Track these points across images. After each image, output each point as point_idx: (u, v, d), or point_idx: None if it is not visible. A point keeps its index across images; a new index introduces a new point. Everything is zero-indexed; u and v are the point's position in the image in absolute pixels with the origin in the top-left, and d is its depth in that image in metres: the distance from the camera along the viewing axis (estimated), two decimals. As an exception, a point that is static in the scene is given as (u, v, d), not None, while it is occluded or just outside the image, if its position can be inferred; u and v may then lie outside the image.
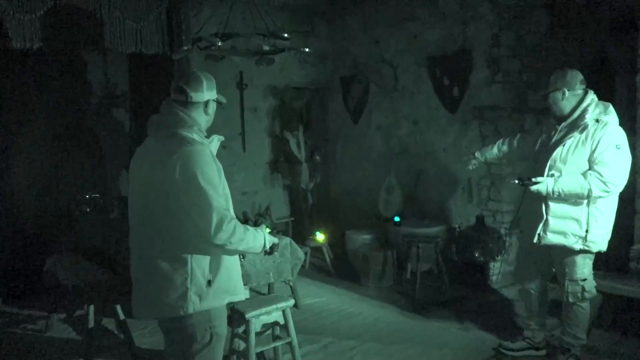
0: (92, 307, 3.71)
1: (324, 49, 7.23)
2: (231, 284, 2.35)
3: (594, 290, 3.32)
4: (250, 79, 6.56)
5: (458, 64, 5.68)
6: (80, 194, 5.88)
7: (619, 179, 3.03)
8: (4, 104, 5.58)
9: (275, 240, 2.46)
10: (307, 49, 3.78)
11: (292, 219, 6.80)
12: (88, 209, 5.73)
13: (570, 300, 3.29)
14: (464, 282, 5.16)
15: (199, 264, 2.20)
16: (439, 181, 6.05)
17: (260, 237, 2.33)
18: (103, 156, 6.40)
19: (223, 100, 2.45)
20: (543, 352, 3.57)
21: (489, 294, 4.79)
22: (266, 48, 3.57)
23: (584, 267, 3.25)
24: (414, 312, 4.48)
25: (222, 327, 2.36)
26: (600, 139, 3.04)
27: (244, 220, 6.15)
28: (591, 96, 3.20)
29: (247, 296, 3.83)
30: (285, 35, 3.37)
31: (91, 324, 3.69)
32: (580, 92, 3.20)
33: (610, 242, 3.28)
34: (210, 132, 2.45)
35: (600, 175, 3.01)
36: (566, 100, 3.20)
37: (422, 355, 3.66)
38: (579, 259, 3.23)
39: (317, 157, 6.79)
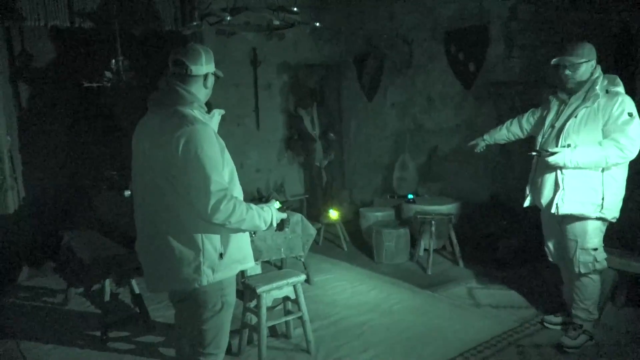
0: (107, 281, 3.80)
1: (337, 25, 7.14)
2: (241, 253, 2.39)
3: (604, 262, 3.32)
4: (264, 56, 6.52)
5: (474, 39, 5.58)
6: (97, 171, 5.97)
7: (635, 145, 3.06)
8: (21, 81, 5.67)
9: (284, 215, 2.46)
10: (317, 24, 3.73)
11: (306, 196, 6.82)
12: (105, 186, 5.82)
13: (582, 270, 3.29)
14: (477, 259, 5.14)
15: (210, 239, 2.23)
16: (454, 158, 6.00)
17: (267, 215, 2.33)
18: (119, 134, 6.47)
19: (220, 74, 2.41)
20: None
21: (502, 271, 4.77)
22: (276, 23, 3.53)
23: (595, 237, 3.27)
24: (426, 289, 4.48)
25: (232, 296, 2.40)
26: (613, 109, 3.09)
27: (258, 197, 6.19)
28: (599, 69, 3.26)
29: (259, 271, 3.86)
30: (295, 9, 3.32)
31: (107, 297, 3.79)
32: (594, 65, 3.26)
33: (624, 220, 3.28)
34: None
35: (618, 142, 3.05)
36: (588, 72, 3.22)
37: (433, 332, 3.67)
38: (592, 227, 3.25)
39: (331, 135, 6.77)
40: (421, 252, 5.26)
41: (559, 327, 3.61)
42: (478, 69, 5.60)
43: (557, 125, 3.31)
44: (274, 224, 2.38)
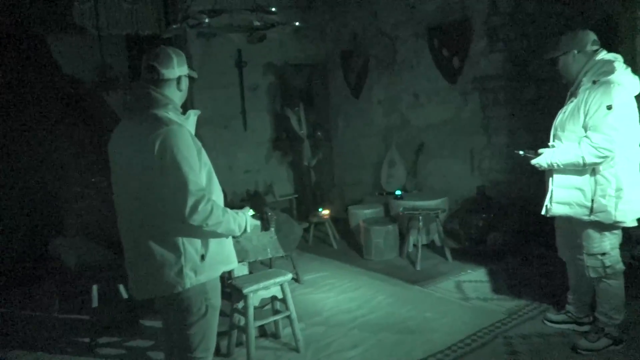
0: (95, 287, 3.79)
1: (322, 24, 7.16)
2: (224, 254, 2.39)
3: (618, 266, 3.03)
4: (250, 57, 6.52)
5: (457, 34, 5.60)
6: (84, 177, 5.95)
7: (609, 141, 2.77)
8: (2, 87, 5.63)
9: (258, 222, 2.46)
10: (297, 23, 3.73)
11: (296, 196, 6.83)
12: (92, 192, 5.81)
13: (592, 275, 3.05)
14: (465, 252, 5.17)
15: (191, 240, 2.23)
16: (441, 153, 6.02)
17: (241, 220, 2.34)
18: (105, 138, 6.44)
19: (194, 75, 2.42)
20: (586, 328, 3.30)
21: (490, 264, 4.79)
22: (257, 24, 3.52)
23: (602, 241, 2.99)
24: (415, 284, 4.49)
25: (217, 299, 2.40)
26: (592, 102, 2.81)
27: (247, 198, 6.20)
28: (600, 55, 2.95)
29: (246, 272, 3.87)
30: (273, 9, 3.33)
31: (95, 303, 3.77)
32: (590, 52, 2.96)
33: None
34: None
35: (590, 140, 2.80)
36: (576, 62, 2.97)
37: (422, 325, 3.69)
38: (594, 232, 2.99)
39: (319, 134, 6.78)
40: (410, 248, 5.28)
41: (556, 326, 3.43)
42: (462, 64, 5.62)
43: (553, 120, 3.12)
44: (248, 230, 2.38)
